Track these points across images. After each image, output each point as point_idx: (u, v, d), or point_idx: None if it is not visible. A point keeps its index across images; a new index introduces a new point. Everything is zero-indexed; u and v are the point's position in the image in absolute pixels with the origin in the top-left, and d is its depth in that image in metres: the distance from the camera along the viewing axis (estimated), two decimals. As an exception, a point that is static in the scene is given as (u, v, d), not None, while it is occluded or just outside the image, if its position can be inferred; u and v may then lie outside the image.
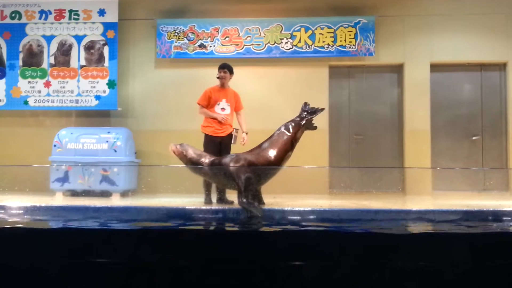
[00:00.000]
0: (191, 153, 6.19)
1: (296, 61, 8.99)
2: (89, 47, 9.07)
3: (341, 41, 8.83)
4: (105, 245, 3.91)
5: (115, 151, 7.94)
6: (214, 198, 6.57)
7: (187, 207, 5.97)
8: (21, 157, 8.64)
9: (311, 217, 5.65)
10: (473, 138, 8.94)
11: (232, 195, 6.30)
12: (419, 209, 5.77)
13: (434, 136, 8.80)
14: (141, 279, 3.61)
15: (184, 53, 9.01)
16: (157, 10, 9.18)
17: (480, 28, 8.81)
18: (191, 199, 6.66)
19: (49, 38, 9.12)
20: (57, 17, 9.14)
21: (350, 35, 8.83)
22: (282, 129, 6.29)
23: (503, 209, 5.75)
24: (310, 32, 8.87)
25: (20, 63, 9.10)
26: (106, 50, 9.03)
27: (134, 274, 3.66)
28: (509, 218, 5.61)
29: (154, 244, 3.92)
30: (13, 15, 9.16)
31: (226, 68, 6.93)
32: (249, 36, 8.94)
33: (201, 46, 8.98)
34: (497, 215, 5.67)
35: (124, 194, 7.90)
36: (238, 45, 8.94)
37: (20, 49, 9.12)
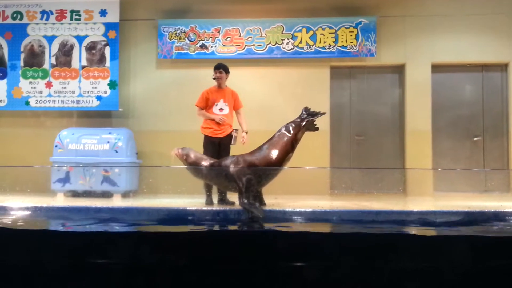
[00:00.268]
0: (192, 156, 6.21)
1: (297, 62, 8.98)
2: (91, 48, 9.08)
3: (342, 41, 8.83)
4: (106, 246, 3.91)
5: (116, 151, 7.95)
6: (215, 199, 6.56)
7: (188, 208, 5.98)
8: (22, 157, 8.64)
9: (312, 218, 5.65)
10: (475, 139, 8.93)
11: (233, 196, 6.30)
12: (420, 210, 5.77)
13: (435, 137, 8.79)
14: (142, 280, 3.61)
15: (185, 54, 9.01)
16: (159, 11, 9.18)
17: (481, 29, 8.80)
18: (192, 200, 6.66)
19: (50, 39, 9.13)
20: (59, 18, 9.15)
21: (351, 35, 8.83)
22: (283, 130, 6.26)
23: (505, 210, 5.75)
24: (311, 32, 8.87)
25: (22, 63, 9.11)
26: (107, 51, 9.03)
27: (135, 274, 3.66)
28: (511, 218, 5.61)
29: (155, 245, 3.92)
30: (15, 15, 9.16)
31: (221, 68, 6.92)
32: (250, 37, 8.94)
33: (203, 46, 8.98)
34: (498, 216, 5.66)
35: (125, 194, 7.90)
36: (239, 45, 8.94)
37: (22, 49, 9.12)
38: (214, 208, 6.16)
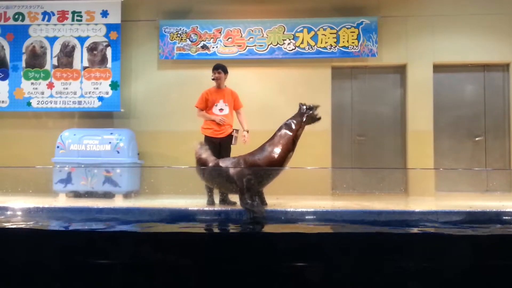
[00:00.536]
0: (203, 157, 6.21)
1: (298, 62, 8.98)
2: (92, 49, 9.09)
3: (343, 42, 8.83)
4: (107, 246, 3.91)
5: (118, 152, 7.96)
6: (216, 199, 6.57)
7: (189, 208, 5.98)
8: (24, 158, 8.66)
9: (314, 218, 5.65)
10: (476, 138, 8.92)
11: (234, 197, 6.30)
12: (422, 210, 5.76)
13: (437, 137, 8.79)
14: (143, 280, 3.62)
15: (186, 54, 9.02)
16: (160, 11, 9.19)
17: (483, 29, 8.80)
18: (193, 200, 6.66)
19: (52, 40, 9.14)
20: (60, 19, 9.16)
21: (352, 36, 8.82)
22: (283, 128, 6.26)
23: (506, 210, 5.74)
24: (312, 33, 8.87)
25: (23, 64, 9.12)
26: (109, 51, 9.04)
27: (137, 274, 3.67)
28: (513, 218, 5.61)
29: (156, 245, 3.92)
30: (16, 16, 9.18)
31: (220, 68, 6.94)
32: (252, 37, 8.94)
33: (204, 47, 8.99)
34: (500, 216, 5.66)
35: (127, 195, 7.91)
36: (240, 46, 8.95)
37: (23, 50, 9.14)
38: (215, 208, 6.17)
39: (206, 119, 6.90)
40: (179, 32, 9.01)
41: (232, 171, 5.95)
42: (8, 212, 5.73)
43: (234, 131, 6.88)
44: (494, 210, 5.79)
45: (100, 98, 8.97)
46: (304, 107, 6.46)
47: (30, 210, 5.82)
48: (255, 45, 8.94)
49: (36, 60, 9.12)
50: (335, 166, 8.81)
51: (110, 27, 9.07)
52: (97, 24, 9.11)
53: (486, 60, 8.91)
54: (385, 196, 7.68)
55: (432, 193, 8.41)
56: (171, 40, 9.01)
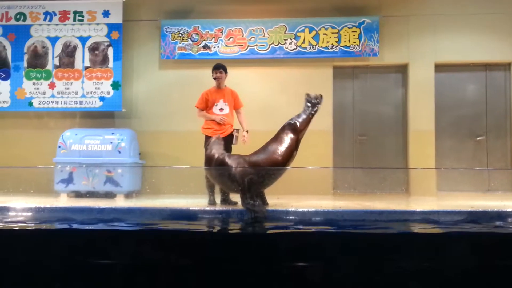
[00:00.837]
0: (212, 151, 6.17)
1: (300, 62, 8.98)
2: (94, 48, 9.10)
3: (345, 41, 8.82)
4: (108, 246, 3.91)
5: (119, 152, 7.96)
6: (218, 199, 6.57)
7: (191, 208, 5.97)
8: (25, 158, 8.67)
9: (315, 218, 5.65)
10: (478, 138, 8.91)
11: (236, 196, 6.30)
12: (423, 210, 5.75)
13: (438, 137, 8.78)
14: (144, 280, 3.62)
15: (188, 54, 9.02)
16: (161, 11, 9.19)
17: (484, 28, 8.78)
18: (195, 200, 6.66)
19: (53, 40, 9.15)
20: (62, 19, 9.17)
21: (354, 35, 8.82)
22: (287, 128, 6.20)
23: (508, 210, 5.73)
24: (314, 32, 8.87)
25: (25, 64, 9.13)
26: (110, 51, 9.05)
27: (137, 274, 3.67)
28: (514, 218, 5.60)
29: (157, 245, 3.92)
30: (18, 16, 9.19)
31: (221, 68, 6.94)
32: (253, 37, 8.94)
33: (205, 47, 8.99)
34: (502, 216, 5.65)
35: (128, 195, 7.91)
36: (242, 45, 8.95)
37: (25, 50, 9.15)
38: (217, 208, 6.16)
39: (207, 119, 6.90)
40: (181, 32, 9.01)
41: (234, 170, 5.93)
42: (10, 212, 5.73)
43: (235, 130, 6.88)
44: (495, 209, 5.78)
45: (102, 98, 8.98)
46: (312, 97, 6.39)
47: (31, 210, 5.82)
48: (256, 45, 8.93)
49: (37, 60, 9.13)
50: (336, 166, 8.81)
51: (111, 27, 9.07)
52: (98, 24, 9.12)
53: (488, 60, 8.90)
54: (386, 196, 7.66)
55: (434, 193, 8.41)
56: (173, 40, 9.02)
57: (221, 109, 6.91)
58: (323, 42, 8.85)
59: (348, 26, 8.85)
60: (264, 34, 8.93)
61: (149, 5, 9.26)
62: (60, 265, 3.72)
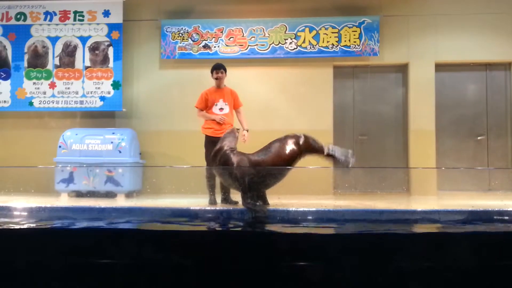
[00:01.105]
0: (225, 142, 6.14)
1: (300, 61, 8.98)
2: (94, 48, 9.10)
3: (345, 41, 8.82)
4: (109, 246, 3.91)
5: (120, 152, 7.96)
6: (218, 198, 6.56)
7: (191, 208, 5.97)
8: (26, 158, 8.67)
9: (316, 217, 5.64)
10: (478, 138, 8.91)
11: (237, 196, 6.30)
12: (424, 209, 5.75)
13: (439, 136, 8.78)
14: (144, 279, 3.62)
15: (188, 54, 9.02)
16: (162, 11, 9.20)
17: (485, 28, 8.79)
18: (195, 199, 6.66)
19: (54, 39, 9.15)
20: (62, 18, 9.17)
21: (354, 35, 8.82)
22: (294, 138, 6.13)
23: (509, 209, 5.73)
24: (314, 32, 8.87)
25: (25, 64, 9.14)
26: (110, 51, 9.05)
27: (138, 274, 3.67)
28: (515, 218, 5.59)
29: (158, 245, 3.92)
30: (18, 16, 9.19)
31: (222, 68, 6.94)
32: (254, 37, 8.94)
33: (206, 46, 8.99)
34: (502, 215, 5.64)
35: (129, 195, 7.92)
36: (242, 45, 8.95)
37: (25, 50, 9.16)
38: (217, 208, 6.16)
39: (207, 119, 6.90)
40: (181, 32, 9.01)
41: (235, 169, 5.93)
42: (10, 212, 5.73)
43: (235, 130, 6.87)
44: (496, 209, 5.78)
45: (102, 98, 8.98)
46: (347, 155, 6.06)
47: (32, 210, 5.82)
48: (256, 45, 8.93)
49: (38, 60, 9.13)
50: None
51: (112, 27, 9.08)
52: (99, 24, 9.12)
53: (488, 59, 8.90)
54: (387, 196, 7.66)
55: (434, 192, 8.40)
56: (173, 40, 9.02)
57: (221, 109, 6.91)
58: (323, 42, 8.85)
59: (349, 25, 8.85)
60: (265, 34, 8.93)
61: (149, 5, 9.26)
62: (59, 264, 3.71)
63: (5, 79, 9.13)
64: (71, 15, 9.17)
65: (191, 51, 9.01)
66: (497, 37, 8.76)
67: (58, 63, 9.11)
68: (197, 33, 9.00)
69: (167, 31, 9.04)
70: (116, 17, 9.09)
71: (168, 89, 9.10)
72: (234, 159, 6.03)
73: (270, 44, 8.92)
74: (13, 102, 9.08)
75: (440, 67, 8.89)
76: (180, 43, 9.02)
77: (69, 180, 7.87)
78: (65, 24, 9.17)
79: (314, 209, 5.77)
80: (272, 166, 5.92)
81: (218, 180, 6.57)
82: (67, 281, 3.66)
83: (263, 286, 3.61)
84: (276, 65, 9.03)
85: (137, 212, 6.00)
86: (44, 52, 9.14)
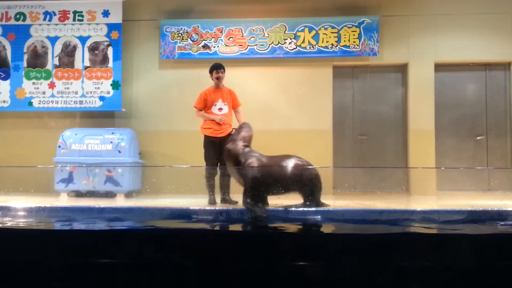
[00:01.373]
0: (234, 135, 6.21)
1: (300, 61, 8.98)
2: (93, 48, 9.10)
3: (345, 41, 8.82)
4: (109, 246, 3.91)
5: (119, 152, 7.96)
6: (218, 198, 6.56)
7: (191, 208, 5.97)
8: (25, 158, 8.67)
9: (315, 217, 5.65)
10: (478, 137, 8.92)
11: (236, 196, 6.30)
12: (423, 209, 5.75)
13: (438, 136, 8.79)
14: (144, 279, 3.62)
15: (188, 54, 9.02)
16: (161, 11, 9.19)
17: (484, 28, 8.79)
18: (195, 199, 6.66)
19: (53, 39, 9.15)
20: (62, 18, 9.17)
21: (354, 35, 8.82)
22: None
23: (508, 209, 5.73)
24: (314, 32, 8.87)
25: (25, 64, 9.13)
26: (110, 51, 9.05)
27: (138, 274, 3.67)
28: (515, 218, 5.59)
29: (157, 245, 3.92)
30: (18, 16, 9.19)
31: (222, 68, 6.95)
32: (253, 37, 8.94)
33: (205, 46, 8.99)
34: (502, 215, 5.64)
35: (128, 194, 7.92)
36: (241, 45, 8.95)
37: (25, 50, 9.15)
38: (217, 208, 6.16)
39: (206, 119, 6.90)
40: (180, 32, 9.01)
41: (237, 168, 5.95)
42: (10, 212, 5.73)
43: (234, 130, 6.87)
44: (496, 209, 5.78)
45: (102, 98, 8.98)
46: None
47: (31, 210, 5.82)
48: (256, 45, 8.93)
49: (37, 60, 9.13)
50: (336, 165, 8.80)
51: (111, 27, 9.07)
52: (98, 24, 9.12)
53: (488, 59, 8.90)
54: (386, 195, 7.66)
55: (434, 192, 8.40)
56: (172, 40, 9.02)
57: (220, 109, 6.90)
58: (323, 42, 8.85)
59: (348, 25, 8.85)
60: (264, 34, 8.93)
61: (148, 5, 9.26)
62: (59, 264, 3.71)
63: (4, 79, 9.12)
64: (71, 15, 9.17)
65: (190, 51, 9.01)
66: (497, 37, 8.77)
67: (57, 63, 9.11)
68: (197, 33, 9.00)
69: (166, 31, 9.04)
70: (116, 17, 9.09)
71: (167, 89, 9.10)
72: (241, 157, 6.07)
73: (269, 44, 8.92)
74: (13, 102, 9.08)
75: (439, 67, 8.90)
76: (180, 43, 9.02)
77: (69, 180, 7.87)
78: (65, 24, 9.16)
79: (313, 209, 5.78)
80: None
81: (217, 180, 6.58)
82: (67, 281, 3.66)
83: (263, 286, 3.61)
84: (275, 65, 9.03)
85: (137, 212, 6.00)
86: (43, 52, 9.14)
